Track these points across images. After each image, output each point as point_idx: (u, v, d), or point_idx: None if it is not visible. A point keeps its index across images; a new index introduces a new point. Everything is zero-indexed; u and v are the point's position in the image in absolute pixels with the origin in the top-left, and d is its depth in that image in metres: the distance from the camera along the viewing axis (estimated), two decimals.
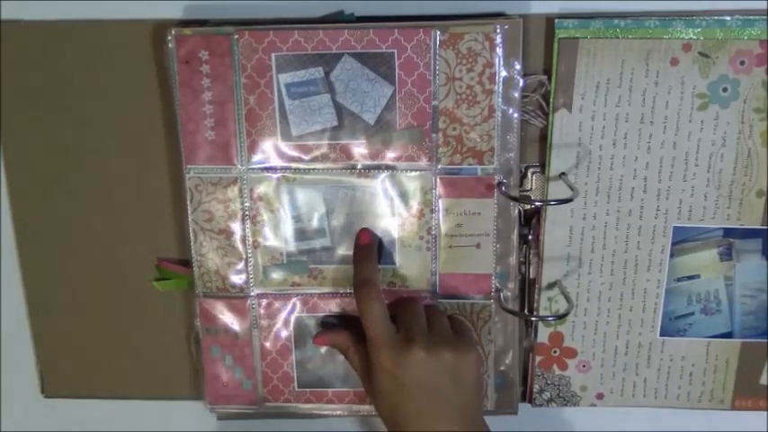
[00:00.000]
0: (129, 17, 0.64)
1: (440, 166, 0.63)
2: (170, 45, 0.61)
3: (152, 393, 0.73)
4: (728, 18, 0.60)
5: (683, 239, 0.66)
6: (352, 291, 0.63)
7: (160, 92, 0.65)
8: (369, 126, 0.63)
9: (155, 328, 0.71)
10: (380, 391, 0.61)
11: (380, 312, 0.61)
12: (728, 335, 0.68)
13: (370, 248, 0.65)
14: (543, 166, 0.65)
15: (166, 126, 0.66)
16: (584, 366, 0.69)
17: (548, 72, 0.63)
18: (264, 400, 0.69)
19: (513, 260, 0.65)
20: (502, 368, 0.68)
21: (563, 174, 0.64)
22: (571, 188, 0.63)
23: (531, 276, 0.67)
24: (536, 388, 0.70)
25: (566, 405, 0.70)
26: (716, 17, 0.60)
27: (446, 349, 0.60)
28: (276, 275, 0.66)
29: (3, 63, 0.65)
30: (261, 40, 0.61)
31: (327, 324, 0.68)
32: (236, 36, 0.61)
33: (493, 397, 0.68)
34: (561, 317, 0.65)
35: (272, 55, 0.61)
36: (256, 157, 0.64)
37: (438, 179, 0.64)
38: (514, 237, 0.65)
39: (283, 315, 0.67)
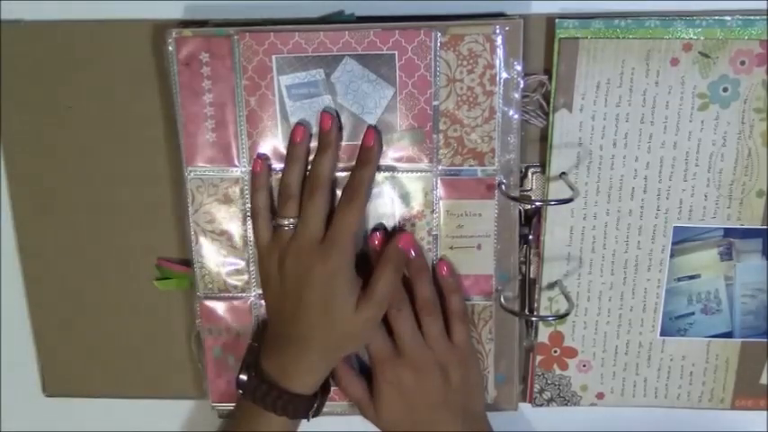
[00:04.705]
0: (129, 17, 0.64)
1: (440, 168, 0.63)
2: (170, 47, 0.61)
3: (153, 392, 0.73)
4: (728, 18, 0.60)
5: (683, 239, 0.66)
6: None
7: (160, 92, 0.65)
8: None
9: (155, 327, 0.71)
10: (387, 405, 0.64)
11: (378, 333, 0.63)
12: (729, 334, 0.68)
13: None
14: (543, 166, 0.65)
15: (167, 126, 0.66)
16: (584, 366, 0.69)
17: (548, 72, 0.63)
18: None
19: (513, 260, 0.65)
20: (502, 368, 0.68)
21: (563, 174, 0.64)
22: (571, 188, 0.63)
23: (532, 276, 0.67)
24: (536, 388, 0.70)
25: (566, 405, 0.70)
26: (716, 17, 0.60)
27: (442, 357, 0.63)
28: None
29: (3, 63, 0.65)
30: (261, 42, 0.61)
31: None
32: (237, 38, 0.61)
33: (493, 392, 0.68)
34: (561, 317, 0.66)
35: (273, 57, 0.61)
36: None
37: (439, 180, 0.64)
38: (515, 237, 0.65)
39: None
